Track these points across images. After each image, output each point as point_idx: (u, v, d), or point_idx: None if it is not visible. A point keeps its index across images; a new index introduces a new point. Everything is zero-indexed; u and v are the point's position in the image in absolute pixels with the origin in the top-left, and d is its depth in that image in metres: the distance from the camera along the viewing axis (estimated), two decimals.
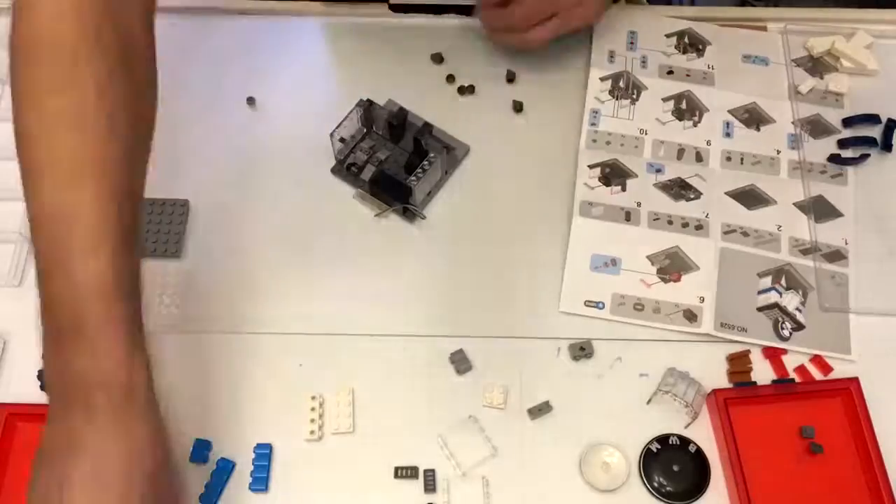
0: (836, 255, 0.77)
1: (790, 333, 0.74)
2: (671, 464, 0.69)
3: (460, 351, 0.73)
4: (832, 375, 0.72)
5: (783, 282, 0.75)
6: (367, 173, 0.79)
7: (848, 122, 0.84)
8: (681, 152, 0.82)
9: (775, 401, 0.71)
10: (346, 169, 0.80)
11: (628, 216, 0.78)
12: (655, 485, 0.68)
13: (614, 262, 0.76)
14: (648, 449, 0.69)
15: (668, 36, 0.88)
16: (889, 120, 0.83)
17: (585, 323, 0.74)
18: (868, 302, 0.75)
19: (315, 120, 0.84)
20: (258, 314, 0.75)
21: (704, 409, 0.71)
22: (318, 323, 0.74)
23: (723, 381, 0.72)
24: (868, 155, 0.82)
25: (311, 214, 0.80)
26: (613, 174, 0.80)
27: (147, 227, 0.78)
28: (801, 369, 0.73)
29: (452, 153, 0.80)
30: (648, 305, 0.74)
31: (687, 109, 0.84)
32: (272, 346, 0.74)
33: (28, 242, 0.77)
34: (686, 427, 0.70)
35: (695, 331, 0.74)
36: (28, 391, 0.71)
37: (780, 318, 0.74)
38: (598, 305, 0.74)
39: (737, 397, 0.70)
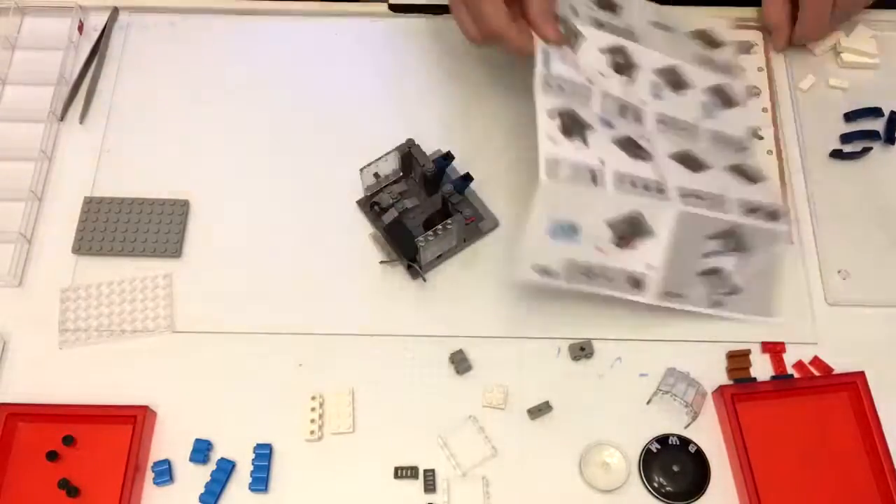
0: (775, 215, 0.76)
1: (724, 298, 0.73)
2: (671, 464, 0.69)
3: (460, 351, 0.73)
4: (837, 371, 0.72)
5: (729, 244, 0.74)
6: (389, 217, 0.76)
7: (850, 116, 0.83)
8: (623, 109, 0.77)
9: (782, 397, 0.71)
10: (370, 206, 0.78)
11: (594, 178, 0.71)
12: (655, 485, 0.68)
13: (574, 228, 0.71)
14: (648, 449, 0.69)
15: None
16: (892, 112, 0.83)
17: (585, 323, 0.74)
18: (870, 294, 0.76)
19: (315, 119, 0.84)
20: (258, 314, 0.75)
21: (703, 409, 0.71)
22: (318, 323, 0.74)
23: (723, 381, 0.72)
24: (870, 148, 0.81)
25: (312, 215, 0.80)
26: (573, 124, 0.73)
27: (147, 227, 0.78)
28: (799, 365, 0.73)
29: (473, 225, 0.78)
30: (601, 273, 0.71)
31: (624, 65, 0.79)
32: (272, 346, 0.74)
33: (27, 242, 0.77)
34: (686, 427, 0.70)
35: (639, 300, 0.72)
36: (28, 391, 0.71)
37: (716, 282, 0.74)
38: (551, 274, 0.69)
39: (743, 393, 0.70)
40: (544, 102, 0.72)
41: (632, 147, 0.74)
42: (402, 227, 0.75)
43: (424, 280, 0.76)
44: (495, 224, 0.78)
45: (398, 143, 0.77)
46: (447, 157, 0.76)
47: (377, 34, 0.88)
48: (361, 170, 0.76)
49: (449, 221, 0.72)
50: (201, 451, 0.69)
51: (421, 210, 0.77)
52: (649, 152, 0.75)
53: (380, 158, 0.76)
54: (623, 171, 0.72)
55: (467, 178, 0.76)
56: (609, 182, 0.71)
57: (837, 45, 0.86)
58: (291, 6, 0.90)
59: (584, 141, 0.73)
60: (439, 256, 0.77)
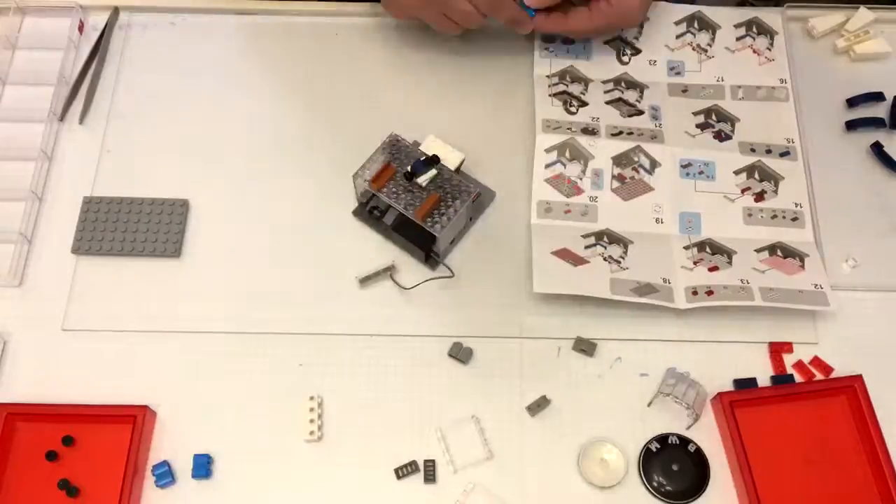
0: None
1: (771, 292, 0.74)
2: (671, 463, 0.69)
3: (458, 343, 0.73)
4: (837, 370, 0.72)
5: (605, 239, 0.77)
6: (390, 217, 0.76)
7: (852, 101, 0.84)
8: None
9: (780, 402, 0.71)
10: (368, 212, 0.78)
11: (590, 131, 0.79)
12: (655, 484, 0.68)
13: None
14: (648, 448, 0.69)
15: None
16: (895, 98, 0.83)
17: (586, 323, 0.74)
18: (870, 278, 0.76)
19: (314, 118, 0.84)
20: (257, 314, 0.75)
21: (707, 409, 0.71)
22: (318, 323, 0.74)
23: (723, 381, 0.72)
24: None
25: (312, 214, 0.80)
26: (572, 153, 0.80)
27: (146, 227, 0.78)
28: (799, 365, 0.73)
29: (479, 200, 0.78)
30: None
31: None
32: (271, 346, 0.74)
33: (27, 242, 0.77)
34: (688, 428, 0.70)
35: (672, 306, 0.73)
36: (28, 391, 0.71)
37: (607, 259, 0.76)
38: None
39: (742, 400, 0.70)
40: (542, 142, 0.81)
41: (623, 105, 0.82)
42: (409, 223, 0.74)
43: (448, 267, 0.76)
44: (493, 196, 0.79)
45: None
46: (431, 161, 0.74)
47: (377, 34, 0.88)
48: (354, 177, 0.76)
49: (458, 201, 0.73)
50: (202, 465, 0.68)
51: (419, 199, 0.74)
52: (641, 108, 0.82)
53: (368, 160, 0.75)
54: (614, 124, 0.81)
55: (433, 161, 0.74)
56: (602, 131, 0.80)
57: (844, 33, 0.86)
58: (291, 6, 0.90)
59: (577, 108, 0.82)
60: (452, 241, 0.77)
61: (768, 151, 0.81)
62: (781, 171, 0.80)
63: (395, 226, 0.76)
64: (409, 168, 0.73)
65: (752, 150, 0.81)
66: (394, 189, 0.73)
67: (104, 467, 0.68)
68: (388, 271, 0.76)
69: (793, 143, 0.81)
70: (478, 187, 0.76)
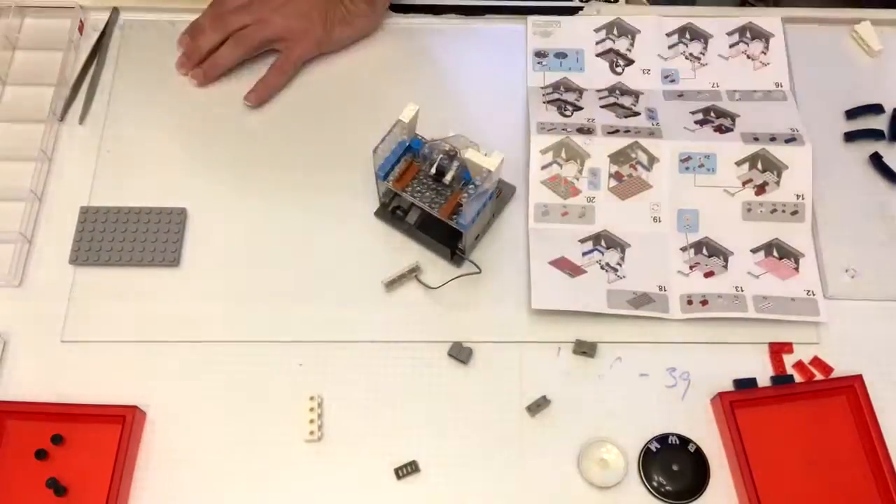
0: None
1: (764, 303, 0.74)
2: (670, 463, 0.69)
3: (458, 343, 0.73)
4: (838, 370, 0.72)
5: (603, 243, 0.77)
6: (413, 216, 0.76)
7: (851, 113, 0.84)
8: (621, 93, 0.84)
9: (780, 402, 0.71)
10: (390, 212, 0.78)
11: (585, 130, 0.79)
12: (655, 484, 0.68)
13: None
14: (648, 448, 0.69)
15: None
16: (895, 110, 0.83)
17: (586, 324, 0.74)
18: (870, 288, 0.76)
19: (314, 120, 0.84)
20: (257, 321, 0.75)
21: (706, 409, 0.71)
22: (318, 326, 0.74)
23: (723, 381, 0.72)
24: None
25: (311, 220, 0.79)
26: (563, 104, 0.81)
27: (145, 236, 0.77)
28: (799, 365, 0.73)
29: (500, 196, 0.78)
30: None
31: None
32: (270, 353, 0.73)
33: (28, 242, 0.77)
34: None
35: (667, 317, 0.74)
36: (28, 391, 0.71)
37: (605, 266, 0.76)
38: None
39: (742, 400, 0.70)
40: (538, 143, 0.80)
41: (619, 108, 0.82)
42: (433, 221, 0.74)
43: (474, 263, 0.76)
44: (513, 190, 0.79)
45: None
46: (452, 157, 0.73)
47: (378, 34, 0.88)
48: (374, 150, 0.73)
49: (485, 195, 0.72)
50: None
51: (442, 197, 0.73)
52: (637, 111, 0.81)
53: (387, 134, 0.73)
54: (610, 124, 0.80)
55: (454, 155, 0.73)
56: (598, 130, 0.79)
57: (844, 45, 0.87)
58: None
59: (572, 111, 0.81)
60: (476, 237, 0.77)
61: (773, 139, 0.79)
62: (786, 158, 0.78)
63: (418, 224, 0.76)
64: (433, 169, 0.73)
65: (756, 139, 0.79)
66: (417, 188, 0.73)
67: (93, 467, 0.67)
68: (413, 273, 0.76)
69: (797, 130, 0.79)
70: (499, 182, 0.76)
